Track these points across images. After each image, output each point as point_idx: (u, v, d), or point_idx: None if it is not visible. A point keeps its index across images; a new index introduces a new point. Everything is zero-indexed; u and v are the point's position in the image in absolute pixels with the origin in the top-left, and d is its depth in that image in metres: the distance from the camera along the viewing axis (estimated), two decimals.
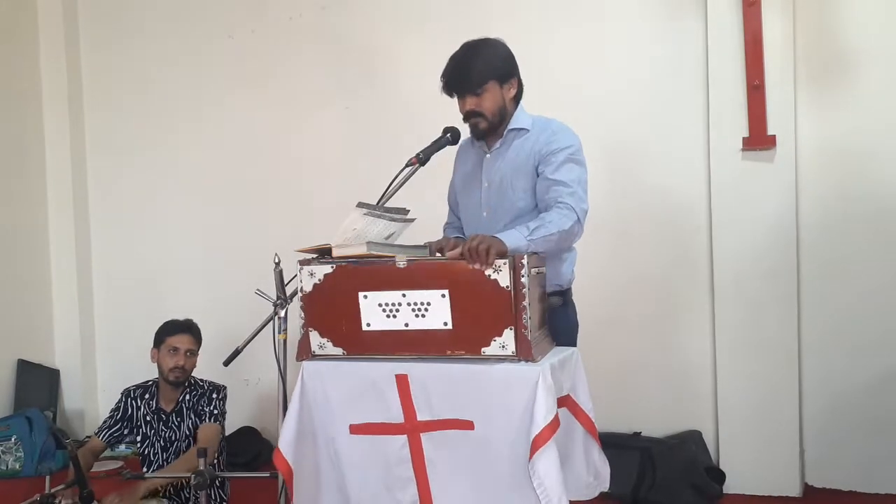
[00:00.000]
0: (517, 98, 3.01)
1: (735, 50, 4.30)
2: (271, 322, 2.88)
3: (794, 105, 4.27)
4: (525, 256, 2.47)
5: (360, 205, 2.64)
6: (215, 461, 3.73)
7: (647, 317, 4.69)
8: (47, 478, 3.24)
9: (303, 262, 2.63)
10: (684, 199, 4.55)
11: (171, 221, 5.81)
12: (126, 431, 3.88)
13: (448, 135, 2.94)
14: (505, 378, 2.49)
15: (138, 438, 3.87)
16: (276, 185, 5.47)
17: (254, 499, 4.01)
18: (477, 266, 2.45)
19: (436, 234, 3.18)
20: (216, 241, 5.65)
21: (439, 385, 2.54)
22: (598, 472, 2.87)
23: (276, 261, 2.79)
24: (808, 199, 4.33)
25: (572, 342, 3.01)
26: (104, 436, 3.86)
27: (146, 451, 3.85)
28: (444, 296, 2.49)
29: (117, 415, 3.88)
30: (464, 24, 4.58)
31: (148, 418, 3.84)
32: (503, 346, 2.47)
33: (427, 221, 3.26)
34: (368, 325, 2.59)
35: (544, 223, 2.70)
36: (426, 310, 2.52)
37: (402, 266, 2.51)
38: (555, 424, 2.44)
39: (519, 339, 2.46)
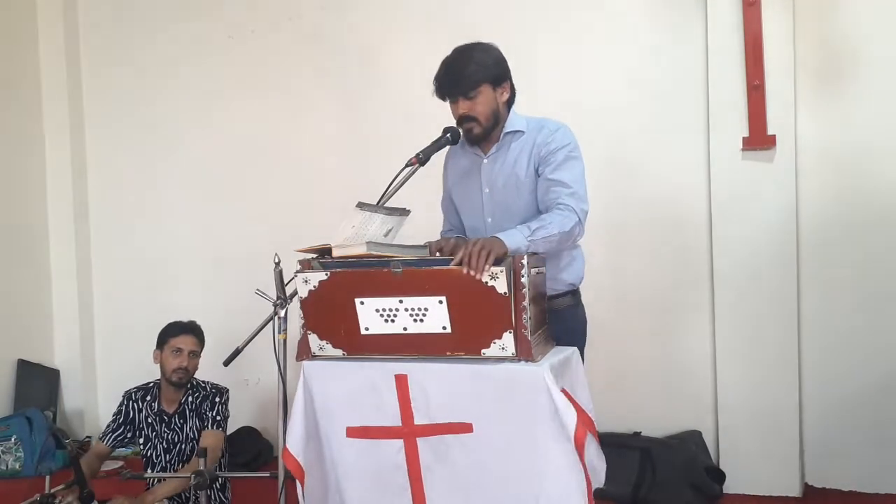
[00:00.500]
0: (510, 102, 3.01)
1: (735, 50, 4.30)
2: (271, 322, 2.88)
3: (795, 105, 4.27)
4: (525, 257, 2.47)
5: (360, 205, 2.64)
6: (217, 466, 3.73)
7: (648, 316, 4.69)
8: (47, 478, 3.25)
9: (299, 269, 2.62)
10: (684, 198, 4.56)
11: (171, 221, 5.81)
12: (130, 435, 3.88)
13: (448, 134, 2.93)
14: (506, 378, 2.48)
15: (141, 441, 3.87)
16: (276, 184, 5.47)
17: (254, 499, 4.01)
18: (472, 273, 2.42)
19: (437, 234, 3.18)
20: (216, 240, 5.65)
21: (438, 386, 2.54)
22: (594, 469, 2.86)
23: (276, 261, 2.78)
24: (808, 198, 4.33)
25: (583, 341, 3.03)
26: (109, 440, 3.86)
27: (149, 453, 3.84)
28: (441, 302, 2.47)
29: (120, 418, 3.87)
30: (463, 25, 4.57)
31: (150, 420, 3.84)
32: (503, 349, 2.47)
33: (427, 221, 3.27)
34: (367, 329, 2.58)
35: (545, 224, 2.71)
36: (424, 315, 2.51)
37: (397, 272, 2.49)
38: (585, 419, 2.47)
39: (519, 339, 2.46)
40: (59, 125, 5.92)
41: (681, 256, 4.60)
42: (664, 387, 4.66)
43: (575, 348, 2.88)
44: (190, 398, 3.83)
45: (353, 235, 2.61)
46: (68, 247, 5.93)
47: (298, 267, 2.63)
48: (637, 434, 4.60)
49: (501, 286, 2.40)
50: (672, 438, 4.55)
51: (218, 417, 3.80)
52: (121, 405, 3.90)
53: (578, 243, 3.06)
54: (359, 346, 2.61)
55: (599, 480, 2.85)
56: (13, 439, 5.21)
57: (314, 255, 2.64)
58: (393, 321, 2.54)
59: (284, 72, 5.46)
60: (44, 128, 5.93)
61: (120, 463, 5.11)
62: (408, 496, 2.60)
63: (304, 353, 2.69)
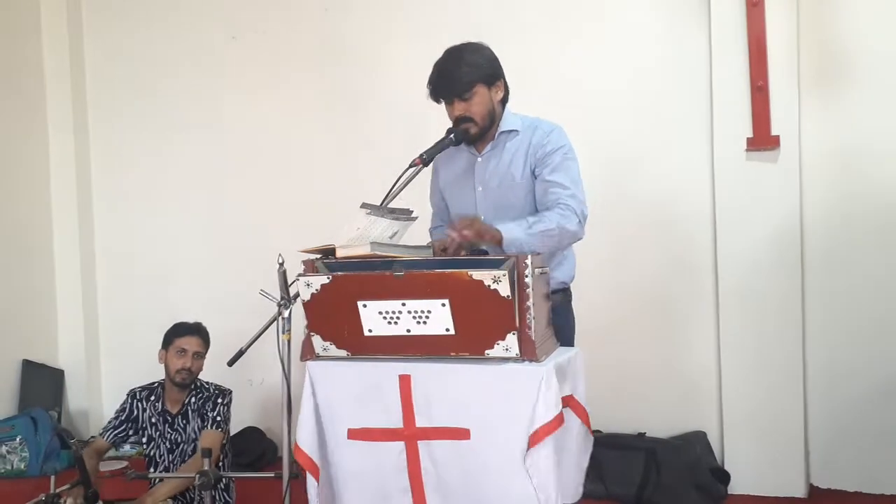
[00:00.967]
0: (504, 100, 3.01)
1: (739, 50, 4.29)
2: (275, 322, 2.88)
3: (798, 106, 4.26)
4: (529, 257, 2.46)
5: (364, 205, 2.65)
6: (219, 466, 3.73)
7: (652, 318, 4.68)
8: (52, 478, 3.26)
9: (301, 272, 2.61)
10: (688, 199, 4.55)
11: (175, 221, 5.81)
12: (131, 433, 3.89)
13: (452, 135, 2.92)
14: (509, 378, 2.48)
15: (144, 440, 3.88)
16: (280, 185, 5.47)
17: (258, 499, 4.01)
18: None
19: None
20: (220, 241, 5.65)
21: (441, 386, 2.54)
22: (577, 481, 2.85)
23: (280, 261, 2.78)
24: (812, 199, 4.32)
25: (571, 341, 3.03)
26: (109, 436, 3.87)
27: (152, 453, 3.85)
28: (444, 305, 2.46)
29: (122, 416, 3.88)
30: (465, 26, 4.57)
31: (153, 420, 3.85)
32: (507, 349, 2.47)
33: (430, 222, 3.27)
34: (370, 330, 2.57)
35: (544, 219, 2.73)
36: (427, 317, 2.50)
37: (398, 276, 2.48)
38: (556, 422, 2.44)
39: (523, 340, 2.46)
40: (62, 126, 5.92)
41: (685, 258, 4.59)
42: (669, 388, 4.65)
43: (577, 348, 2.88)
44: (193, 399, 3.84)
45: (357, 237, 2.61)
46: (72, 247, 5.93)
47: (302, 268, 2.63)
48: (642, 435, 4.59)
49: (504, 289, 2.38)
50: (677, 439, 4.55)
51: (218, 418, 3.81)
52: (124, 403, 3.91)
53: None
54: (363, 347, 2.61)
55: (576, 494, 2.83)
56: (18, 439, 5.22)
57: (318, 256, 2.64)
58: (396, 323, 2.54)
59: (289, 72, 5.46)
60: (47, 128, 5.93)
61: (125, 463, 5.13)
62: (408, 499, 2.60)
63: (309, 353, 2.69)
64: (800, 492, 4.32)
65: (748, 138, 4.30)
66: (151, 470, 3.84)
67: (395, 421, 2.58)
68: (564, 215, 2.77)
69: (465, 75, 2.87)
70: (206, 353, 3.91)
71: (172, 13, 5.78)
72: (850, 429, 4.34)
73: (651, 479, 4.35)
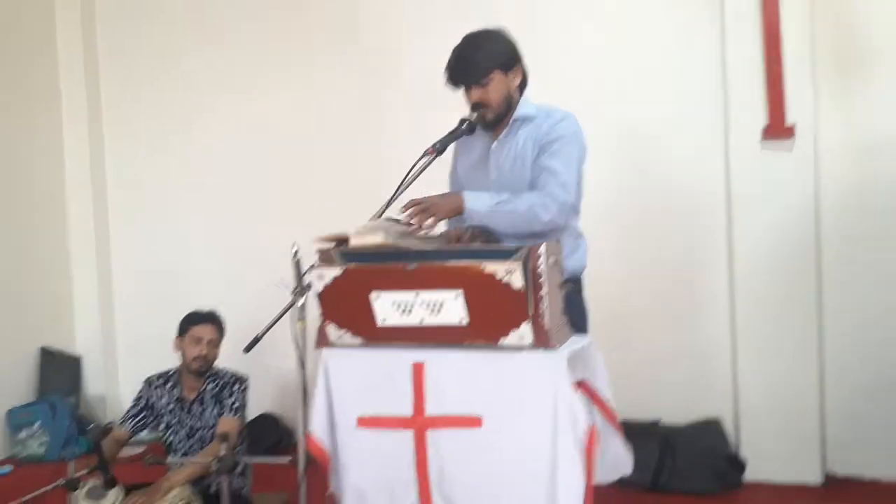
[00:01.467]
0: (522, 86, 3.01)
1: (753, 39, 4.27)
2: (291, 310, 2.89)
3: (814, 94, 4.25)
4: (543, 245, 2.45)
5: (388, 219, 2.65)
6: (236, 452, 3.75)
7: (666, 305, 4.68)
8: (71, 463, 3.28)
9: (313, 264, 2.62)
10: (703, 187, 4.54)
11: (190, 208, 5.83)
12: (150, 420, 3.91)
13: (465, 125, 2.92)
14: (522, 366, 2.49)
15: (162, 426, 3.91)
16: (296, 173, 5.48)
17: (274, 485, 4.03)
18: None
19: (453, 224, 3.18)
20: (236, 228, 5.67)
21: (455, 374, 2.54)
22: (616, 460, 2.86)
23: (294, 250, 2.79)
24: (828, 188, 4.31)
25: (584, 330, 3.02)
26: (128, 425, 3.89)
27: (170, 439, 3.88)
28: (457, 296, 2.46)
29: (140, 404, 3.91)
30: (481, 16, 4.54)
31: (170, 407, 3.87)
32: (521, 338, 2.46)
33: None
34: (384, 320, 2.57)
35: (516, 200, 2.77)
36: (440, 307, 2.49)
37: (411, 269, 2.48)
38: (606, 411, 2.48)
39: (537, 329, 2.45)
40: (77, 116, 5.94)
41: (700, 246, 4.59)
42: (684, 375, 4.65)
43: (592, 337, 2.88)
44: (209, 386, 3.86)
45: (371, 225, 2.61)
46: (88, 235, 5.96)
47: (317, 256, 2.64)
48: (657, 422, 4.59)
49: (517, 281, 2.38)
50: (692, 426, 4.55)
51: (236, 404, 3.82)
52: (141, 391, 3.93)
53: (582, 232, 3.08)
54: (377, 335, 2.61)
55: (625, 470, 2.85)
56: (37, 425, 5.28)
57: (332, 245, 2.65)
58: (409, 313, 2.54)
59: (303, 64, 5.47)
60: (62, 118, 5.95)
61: (143, 448, 5.16)
62: (414, 491, 2.60)
63: (324, 341, 2.70)
64: (816, 479, 4.32)
65: (763, 128, 4.28)
66: (170, 456, 3.86)
67: (406, 409, 2.59)
68: (542, 201, 2.78)
69: (483, 61, 2.87)
70: (221, 340, 3.93)
71: (184, 10, 5.80)
72: (866, 416, 4.33)
73: (666, 467, 4.36)
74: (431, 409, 2.57)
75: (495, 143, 3.02)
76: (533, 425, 2.47)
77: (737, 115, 4.36)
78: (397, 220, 2.67)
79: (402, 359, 2.59)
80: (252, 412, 4.41)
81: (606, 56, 4.72)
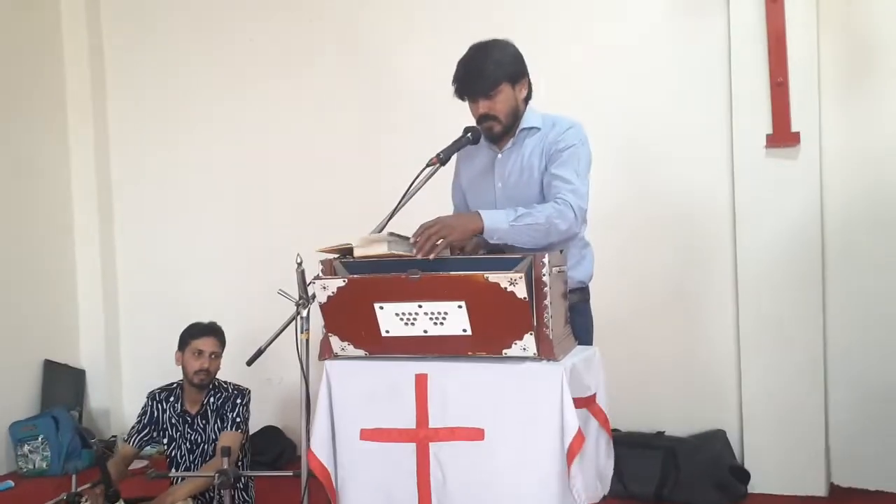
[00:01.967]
0: (527, 98, 3.00)
1: (758, 46, 4.27)
2: (294, 321, 2.89)
3: (819, 102, 4.24)
4: (546, 255, 2.45)
5: (391, 234, 2.64)
6: (238, 466, 3.74)
7: (671, 315, 4.66)
8: (73, 477, 3.28)
9: (317, 276, 2.61)
10: (708, 195, 4.53)
11: (194, 221, 5.84)
12: (155, 435, 3.91)
13: (469, 134, 2.91)
14: (525, 378, 2.48)
15: (164, 441, 3.90)
16: (299, 184, 5.48)
17: (278, 498, 4.03)
18: (419, 256, 2.48)
19: None
20: (240, 240, 5.68)
21: (458, 386, 2.53)
22: (602, 475, 2.84)
23: (298, 261, 2.79)
24: (833, 195, 4.29)
25: (590, 340, 3.01)
26: (134, 441, 3.89)
27: (173, 454, 3.87)
28: (460, 307, 2.45)
29: (144, 419, 3.90)
30: (482, 23, 4.58)
31: (173, 421, 3.87)
32: (524, 349, 2.46)
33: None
34: (388, 331, 2.57)
35: (533, 212, 2.70)
36: (444, 318, 2.49)
37: (415, 278, 2.47)
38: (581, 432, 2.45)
39: (540, 339, 2.45)
40: (83, 128, 5.96)
41: (704, 255, 4.58)
42: (688, 386, 4.63)
43: (596, 347, 2.87)
44: (212, 399, 3.85)
45: (374, 236, 2.61)
46: (93, 248, 5.97)
47: (321, 267, 2.64)
48: (661, 433, 4.57)
49: (521, 291, 2.37)
50: (696, 438, 4.53)
51: (238, 419, 3.82)
52: (145, 406, 3.93)
53: (588, 242, 3.06)
54: (380, 347, 2.61)
55: (606, 488, 2.83)
56: (40, 439, 5.27)
57: (336, 256, 2.65)
58: (413, 324, 2.53)
59: (307, 71, 5.48)
60: (67, 129, 5.97)
61: (145, 462, 5.15)
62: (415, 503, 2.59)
63: (327, 352, 2.70)
64: (821, 490, 4.30)
65: (768, 135, 4.28)
66: (173, 470, 3.86)
67: (409, 421, 2.58)
68: (559, 210, 2.74)
69: (491, 73, 2.85)
70: (222, 352, 3.93)
71: (189, 15, 5.81)
72: (871, 427, 4.30)
73: (670, 478, 4.34)
74: (434, 421, 2.56)
75: (500, 154, 3.01)
76: (536, 438, 2.46)
77: (741, 123, 4.36)
78: (402, 237, 2.66)
79: (405, 370, 2.58)
80: (254, 425, 4.42)
81: (611, 64, 4.72)
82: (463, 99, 2.93)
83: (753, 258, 4.38)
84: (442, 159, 2.83)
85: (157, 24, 5.91)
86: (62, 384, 5.74)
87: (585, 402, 2.63)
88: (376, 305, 2.54)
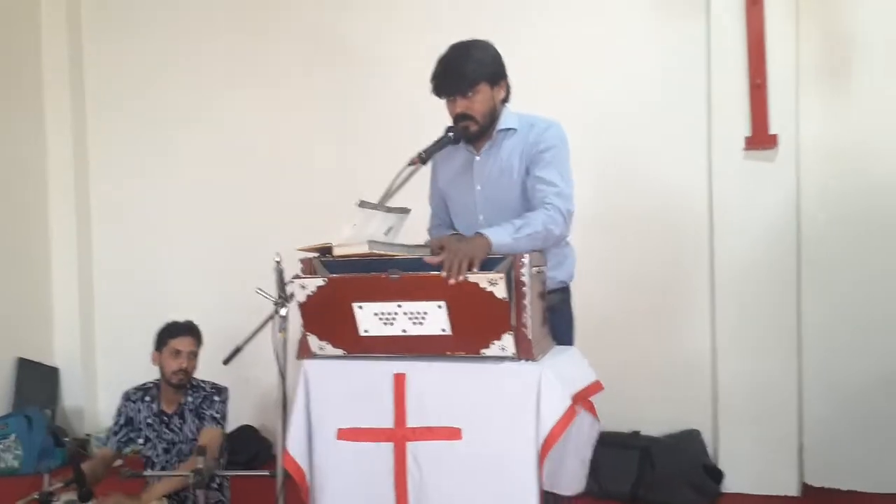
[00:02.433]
0: (505, 100, 2.99)
1: (737, 49, 4.30)
2: (272, 321, 2.88)
3: (797, 105, 4.28)
4: (526, 256, 2.46)
5: (361, 203, 2.64)
6: (217, 463, 3.72)
7: (647, 316, 4.69)
8: (46, 476, 3.24)
9: (296, 275, 2.61)
10: (686, 197, 4.56)
11: (171, 219, 5.81)
12: (133, 435, 3.87)
13: (450, 133, 2.90)
14: (503, 377, 2.49)
15: (140, 441, 3.87)
16: (277, 183, 5.47)
17: (253, 498, 4.00)
18: (451, 281, 2.42)
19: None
20: (217, 239, 5.65)
21: (436, 385, 2.55)
22: (586, 466, 2.85)
23: (277, 260, 2.78)
24: (810, 198, 4.33)
25: (571, 340, 3.02)
26: (113, 444, 3.85)
27: (149, 453, 3.84)
28: (440, 307, 2.47)
29: (121, 420, 3.86)
30: (460, 22, 4.60)
31: (150, 421, 3.83)
32: (503, 349, 2.47)
33: (428, 220, 3.27)
34: (366, 331, 2.58)
35: (530, 222, 2.71)
36: (423, 318, 2.50)
37: (394, 278, 2.48)
38: (566, 419, 2.45)
39: (519, 339, 2.46)
40: (60, 126, 5.92)
41: (681, 256, 4.60)
42: (663, 386, 4.66)
43: (575, 347, 2.88)
44: (189, 398, 3.83)
45: (353, 234, 2.60)
46: (68, 245, 5.93)
47: (300, 266, 2.63)
48: (636, 433, 4.60)
49: (500, 291, 2.39)
50: (671, 437, 4.56)
51: (216, 415, 3.80)
52: (120, 407, 3.90)
53: (569, 242, 3.06)
54: (359, 346, 2.61)
55: (579, 486, 2.83)
56: (12, 437, 5.21)
57: (315, 255, 2.64)
58: (392, 324, 2.54)
59: (286, 71, 5.46)
60: (45, 127, 5.92)
61: (119, 461, 5.11)
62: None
63: (305, 352, 2.69)
64: (793, 490, 4.34)
65: (746, 137, 4.30)
66: (148, 470, 3.82)
67: (387, 421, 2.58)
68: (550, 216, 2.75)
69: (471, 73, 2.84)
70: (199, 351, 3.90)
71: (169, 14, 5.79)
72: (844, 428, 4.35)
73: (645, 477, 4.36)
74: (412, 420, 2.57)
75: (479, 156, 3.00)
76: (513, 437, 2.47)
77: (720, 125, 4.39)
78: (388, 207, 2.66)
79: (383, 370, 2.59)
80: (231, 424, 4.39)
81: (589, 66, 4.73)
82: (441, 97, 2.92)
83: (730, 260, 4.41)
84: (423, 158, 2.82)
85: (137, 25, 5.87)
86: (35, 382, 5.69)
87: (577, 398, 2.64)
88: (355, 305, 2.54)
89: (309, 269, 2.62)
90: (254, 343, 2.98)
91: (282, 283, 2.80)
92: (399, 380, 2.57)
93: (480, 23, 4.49)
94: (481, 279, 2.39)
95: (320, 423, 2.67)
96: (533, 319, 2.50)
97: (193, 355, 3.85)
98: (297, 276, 2.60)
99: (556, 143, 2.91)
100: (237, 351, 3.00)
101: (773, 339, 4.33)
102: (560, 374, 2.54)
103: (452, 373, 2.54)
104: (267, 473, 3.05)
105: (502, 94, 2.96)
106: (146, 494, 3.47)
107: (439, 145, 2.88)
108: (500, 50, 2.97)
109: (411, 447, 2.57)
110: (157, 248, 5.84)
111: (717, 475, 4.41)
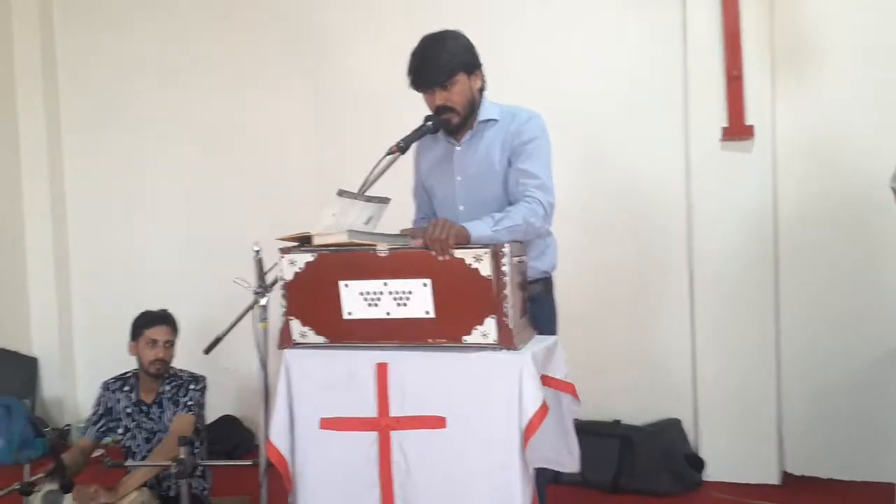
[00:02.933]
0: (482, 89, 2.98)
1: (713, 40, 4.31)
2: (252, 310, 2.87)
3: (772, 95, 4.30)
4: (507, 245, 2.47)
5: (340, 192, 2.64)
6: (194, 452, 3.71)
7: (627, 306, 4.71)
8: (26, 466, 3.22)
9: (284, 250, 2.62)
10: (663, 188, 4.57)
11: (149, 208, 5.78)
12: (112, 425, 3.86)
13: (429, 123, 2.89)
14: (485, 367, 2.50)
15: (120, 431, 3.86)
16: (254, 173, 5.46)
17: (236, 488, 4.00)
18: (439, 258, 2.46)
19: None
20: (195, 227, 5.63)
21: (418, 375, 2.55)
22: (571, 450, 2.86)
23: (256, 249, 2.77)
24: (786, 188, 4.36)
25: (553, 330, 3.02)
26: (91, 434, 3.84)
27: (128, 443, 3.83)
28: (425, 285, 2.49)
29: (100, 410, 3.85)
30: (436, 15, 4.55)
31: (129, 411, 3.82)
32: (484, 335, 2.48)
33: (408, 210, 3.26)
34: (350, 313, 2.58)
35: (510, 214, 2.71)
36: (408, 298, 2.52)
37: (383, 255, 2.50)
38: (543, 410, 2.45)
39: (500, 327, 2.47)
40: (34, 116, 5.87)
41: (660, 246, 4.62)
42: (643, 375, 4.68)
43: (556, 337, 2.89)
44: (167, 387, 3.82)
45: (333, 224, 2.60)
46: (45, 233, 5.89)
47: (280, 255, 2.63)
48: (617, 422, 4.62)
49: (485, 269, 2.42)
50: (651, 426, 4.58)
51: (190, 402, 3.79)
52: (99, 397, 3.88)
53: (551, 231, 3.05)
54: (341, 332, 2.61)
55: (573, 466, 2.85)
56: None
57: (295, 245, 2.63)
58: (376, 305, 2.55)
59: (261, 64, 5.44)
60: (17, 116, 5.87)
61: (100, 451, 5.09)
62: (376, 493, 2.59)
63: (286, 341, 2.69)
64: (773, 478, 4.37)
65: (723, 128, 4.32)
66: (129, 460, 3.81)
67: (370, 410, 2.58)
68: (531, 209, 2.75)
69: (446, 63, 2.82)
70: (175, 339, 3.89)
71: (142, 11, 5.75)
72: (823, 416, 4.39)
73: (626, 466, 4.39)
74: (395, 409, 2.57)
75: (459, 146, 3.00)
76: (497, 425, 2.48)
77: (697, 116, 4.40)
78: (368, 197, 2.67)
79: (365, 359, 2.59)
80: (212, 414, 4.39)
81: (565, 58, 4.73)
82: (419, 90, 2.91)
83: (708, 250, 4.43)
84: (402, 148, 2.81)
85: (110, 22, 5.84)
86: (13, 372, 5.66)
87: (554, 383, 2.67)
88: (342, 283, 2.55)
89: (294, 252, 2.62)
90: (235, 333, 2.98)
91: (261, 273, 2.79)
92: (381, 369, 2.57)
93: (453, 16, 4.46)
94: (467, 255, 2.44)
95: (302, 413, 2.67)
96: (514, 309, 2.50)
97: (170, 344, 3.83)
98: (286, 250, 2.59)
99: (538, 135, 2.90)
100: (217, 340, 2.99)
101: (752, 329, 4.36)
102: (537, 364, 2.54)
103: (434, 362, 2.54)
104: (250, 463, 3.05)
105: (479, 83, 2.96)
106: (122, 487, 3.45)
107: (418, 134, 2.87)
108: (475, 43, 2.95)
109: (396, 436, 2.57)
110: (135, 237, 5.81)
111: (698, 463, 4.44)
